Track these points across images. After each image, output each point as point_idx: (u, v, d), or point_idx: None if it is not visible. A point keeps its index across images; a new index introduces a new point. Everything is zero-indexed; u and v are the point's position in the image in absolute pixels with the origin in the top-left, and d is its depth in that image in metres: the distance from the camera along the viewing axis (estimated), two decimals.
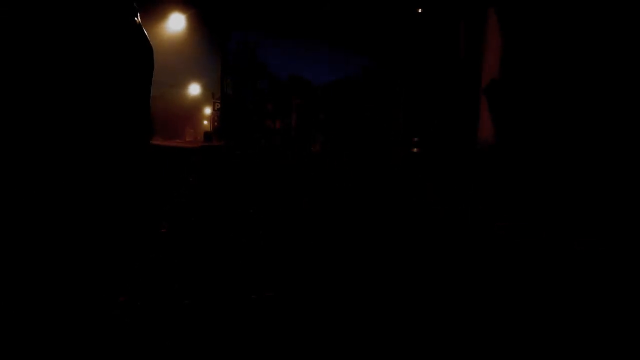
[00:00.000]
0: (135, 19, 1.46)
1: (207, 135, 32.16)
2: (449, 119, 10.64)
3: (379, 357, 1.30)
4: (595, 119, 6.72)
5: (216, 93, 27.86)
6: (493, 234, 3.03)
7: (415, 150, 12.19)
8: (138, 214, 1.47)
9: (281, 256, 2.34)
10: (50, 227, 1.23)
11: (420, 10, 11.98)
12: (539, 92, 7.56)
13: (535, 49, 7.71)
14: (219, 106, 25.39)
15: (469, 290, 1.88)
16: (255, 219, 3.36)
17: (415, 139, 12.22)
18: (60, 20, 1.19)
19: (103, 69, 1.28)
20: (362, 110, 14.83)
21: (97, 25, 1.27)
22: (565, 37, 7.15)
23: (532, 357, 1.33)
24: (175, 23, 25.48)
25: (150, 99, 1.53)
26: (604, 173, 6.25)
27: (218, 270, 2.06)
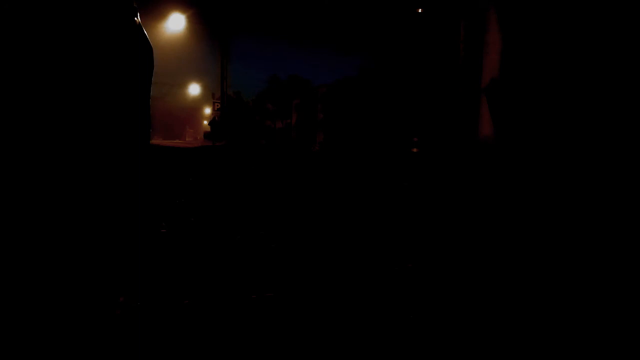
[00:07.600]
0: (135, 19, 1.46)
1: (207, 135, 32.17)
2: (449, 119, 10.64)
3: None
4: (594, 118, 6.72)
5: (216, 93, 27.87)
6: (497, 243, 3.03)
7: (415, 150, 12.20)
8: (138, 214, 1.47)
9: (282, 256, 2.34)
10: (50, 227, 1.22)
11: (420, 10, 11.98)
12: (538, 92, 7.57)
13: (534, 48, 7.71)
14: (219, 106, 25.36)
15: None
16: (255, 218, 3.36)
17: (415, 139, 12.22)
18: (59, 19, 1.19)
19: (102, 69, 1.28)
20: (361, 110, 14.82)
21: (96, 25, 1.27)
22: (564, 37, 7.15)
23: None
24: (176, 23, 25.45)
25: (150, 99, 1.53)
26: (603, 172, 6.25)
27: (217, 270, 2.06)
